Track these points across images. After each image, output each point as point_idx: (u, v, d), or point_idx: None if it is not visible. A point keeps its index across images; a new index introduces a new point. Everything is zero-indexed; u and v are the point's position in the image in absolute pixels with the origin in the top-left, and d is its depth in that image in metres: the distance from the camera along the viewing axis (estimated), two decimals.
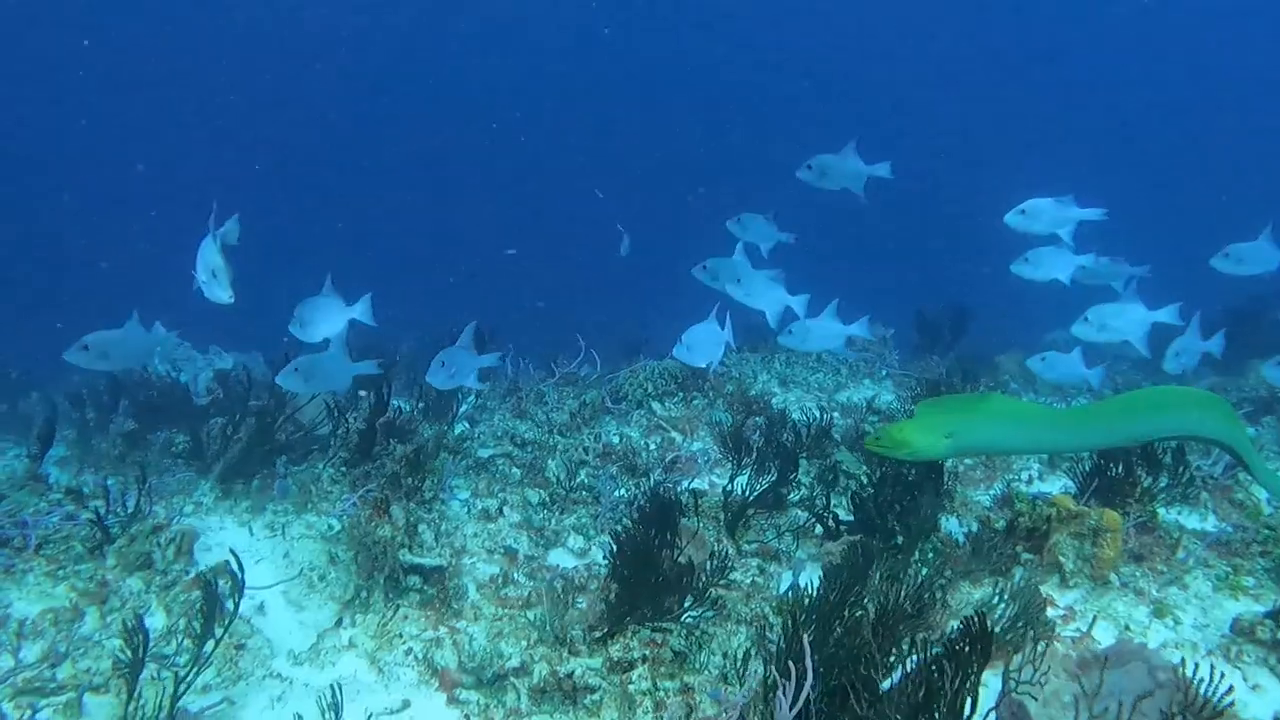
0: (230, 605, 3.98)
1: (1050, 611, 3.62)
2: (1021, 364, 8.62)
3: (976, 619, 2.23)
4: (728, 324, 5.85)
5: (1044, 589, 3.81)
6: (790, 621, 2.91)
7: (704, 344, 5.75)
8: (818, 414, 5.84)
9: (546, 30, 31.67)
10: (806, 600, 2.88)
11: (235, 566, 3.37)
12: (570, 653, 3.48)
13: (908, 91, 32.05)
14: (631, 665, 3.32)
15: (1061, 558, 3.89)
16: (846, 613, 2.81)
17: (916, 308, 9.79)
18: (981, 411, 3.95)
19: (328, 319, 5.06)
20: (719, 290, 6.08)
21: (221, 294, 4.09)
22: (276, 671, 3.55)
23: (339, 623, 3.97)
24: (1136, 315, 5.59)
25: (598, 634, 3.47)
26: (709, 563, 3.97)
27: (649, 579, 3.48)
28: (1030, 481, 5.62)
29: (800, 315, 6.08)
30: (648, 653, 3.35)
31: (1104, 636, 3.51)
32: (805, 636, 2.39)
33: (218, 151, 29.24)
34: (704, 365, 5.82)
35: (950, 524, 4.78)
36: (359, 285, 5.26)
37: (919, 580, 2.81)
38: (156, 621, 3.77)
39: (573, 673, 3.30)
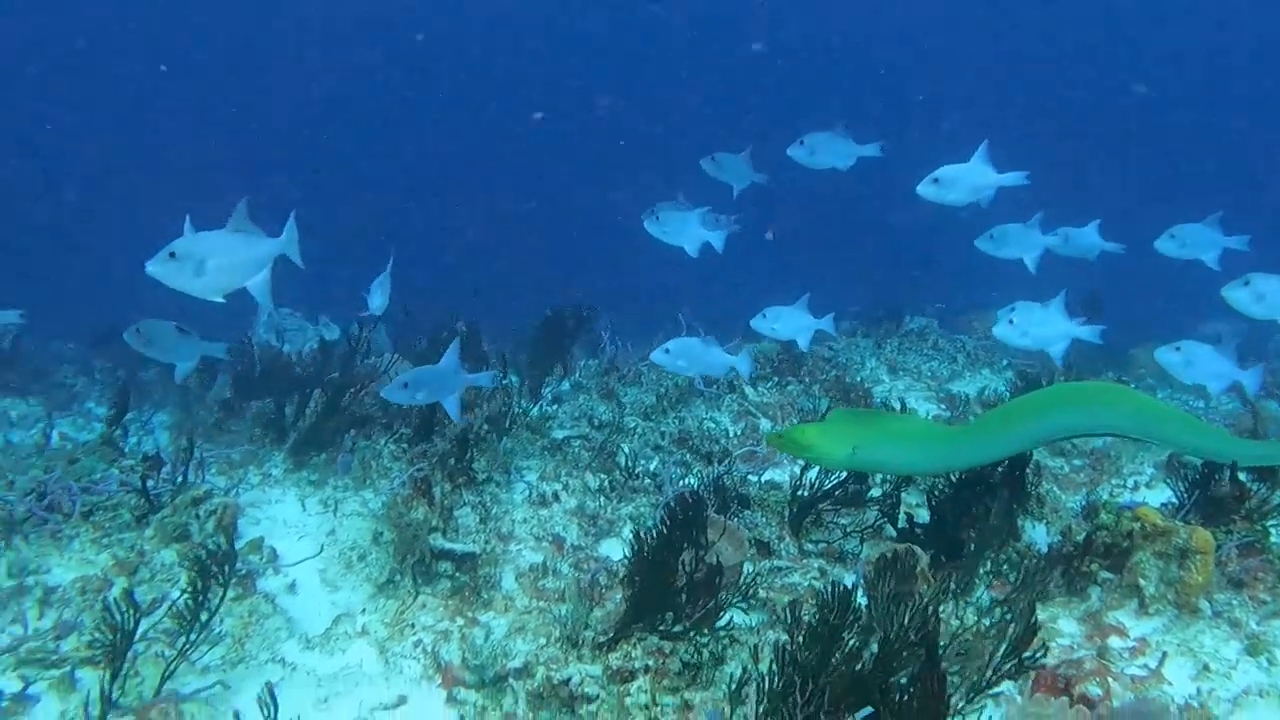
0: (261, 580, 4.00)
1: (1117, 642, 3.20)
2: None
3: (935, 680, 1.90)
4: (745, 354, 5.39)
5: (1118, 615, 3.38)
6: (789, 643, 2.63)
7: (696, 361, 5.26)
8: (898, 405, 5.43)
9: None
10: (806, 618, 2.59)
11: (225, 545, 3.29)
12: (577, 656, 3.27)
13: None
14: (632, 675, 3.08)
15: (1142, 580, 3.43)
16: (846, 638, 2.50)
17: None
18: (889, 431, 3.76)
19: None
20: (662, 239, 5.88)
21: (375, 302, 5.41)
22: (281, 656, 3.45)
23: (365, 609, 3.88)
24: (1060, 328, 5.12)
25: (602, 639, 3.24)
26: (746, 565, 3.71)
27: (662, 582, 3.23)
28: (1137, 488, 5.07)
29: (719, 251, 5.85)
30: (651, 662, 3.10)
31: (1178, 676, 3.06)
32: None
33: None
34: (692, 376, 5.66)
35: (1037, 532, 4.35)
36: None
37: (924, 603, 2.46)
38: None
39: (569, 679, 3.09)
